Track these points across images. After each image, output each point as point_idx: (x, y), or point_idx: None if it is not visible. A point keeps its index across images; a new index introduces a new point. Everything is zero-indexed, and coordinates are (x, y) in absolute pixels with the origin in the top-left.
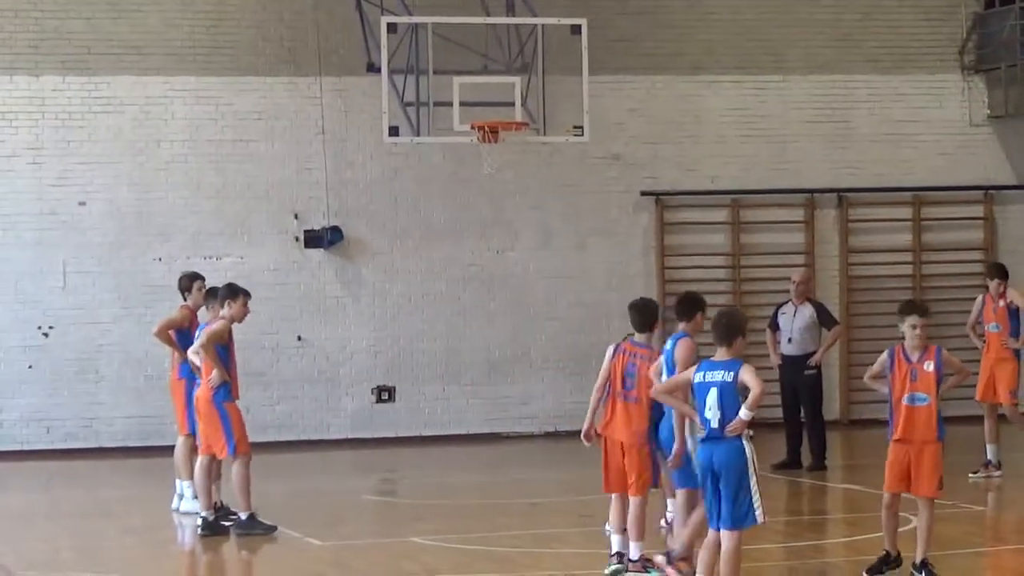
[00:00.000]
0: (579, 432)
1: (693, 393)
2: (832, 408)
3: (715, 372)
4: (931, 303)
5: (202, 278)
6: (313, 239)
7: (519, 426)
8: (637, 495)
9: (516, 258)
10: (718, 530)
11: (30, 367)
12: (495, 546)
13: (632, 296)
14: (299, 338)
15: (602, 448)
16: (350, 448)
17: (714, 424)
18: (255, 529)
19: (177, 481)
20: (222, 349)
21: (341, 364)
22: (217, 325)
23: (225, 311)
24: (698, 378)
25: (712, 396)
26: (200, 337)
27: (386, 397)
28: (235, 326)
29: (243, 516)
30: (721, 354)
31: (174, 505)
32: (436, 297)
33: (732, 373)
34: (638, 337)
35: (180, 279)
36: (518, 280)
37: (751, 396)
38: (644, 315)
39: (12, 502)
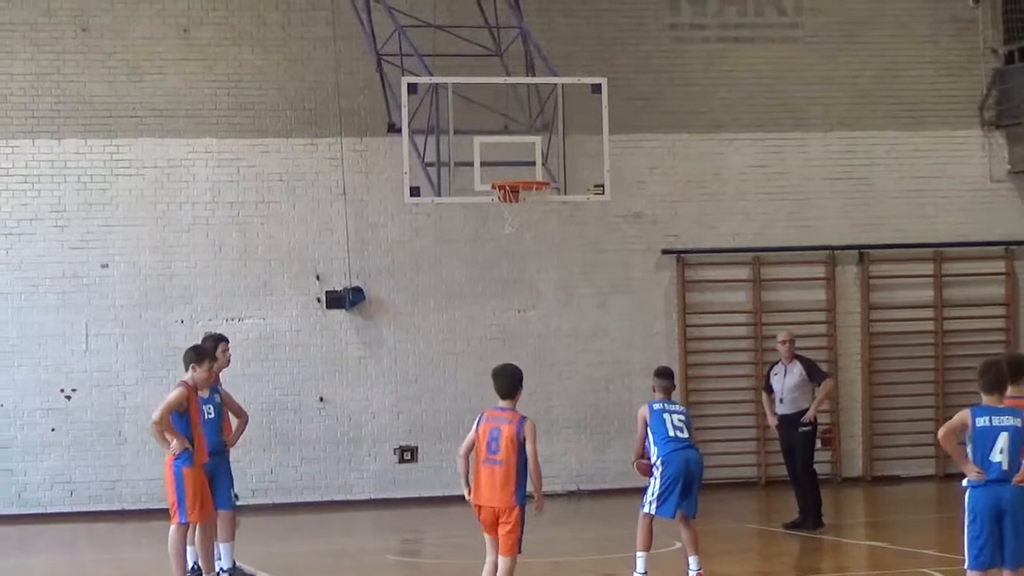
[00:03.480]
0: (602, 491)
1: (972, 438)
2: (855, 465)
3: (1003, 417)
4: (953, 359)
5: (226, 340)
6: (335, 300)
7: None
8: (508, 555)
9: (537, 317)
10: (999, 568)
11: (53, 430)
12: None
13: (654, 354)
14: (321, 399)
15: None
16: (374, 508)
17: (1005, 467)
18: None
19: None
20: (179, 417)
21: (363, 424)
22: (172, 396)
23: (188, 375)
24: (981, 422)
25: (1003, 440)
26: (157, 411)
27: (408, 457)
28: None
29: None
30: (995, 400)
31: (191, 566)
32: (458, 357)
33: (1019, 419)
34: (503, 403)
35: (204, 340)
36: (539, 339)
37: None
38: (509, 381)
39: (36, 565)
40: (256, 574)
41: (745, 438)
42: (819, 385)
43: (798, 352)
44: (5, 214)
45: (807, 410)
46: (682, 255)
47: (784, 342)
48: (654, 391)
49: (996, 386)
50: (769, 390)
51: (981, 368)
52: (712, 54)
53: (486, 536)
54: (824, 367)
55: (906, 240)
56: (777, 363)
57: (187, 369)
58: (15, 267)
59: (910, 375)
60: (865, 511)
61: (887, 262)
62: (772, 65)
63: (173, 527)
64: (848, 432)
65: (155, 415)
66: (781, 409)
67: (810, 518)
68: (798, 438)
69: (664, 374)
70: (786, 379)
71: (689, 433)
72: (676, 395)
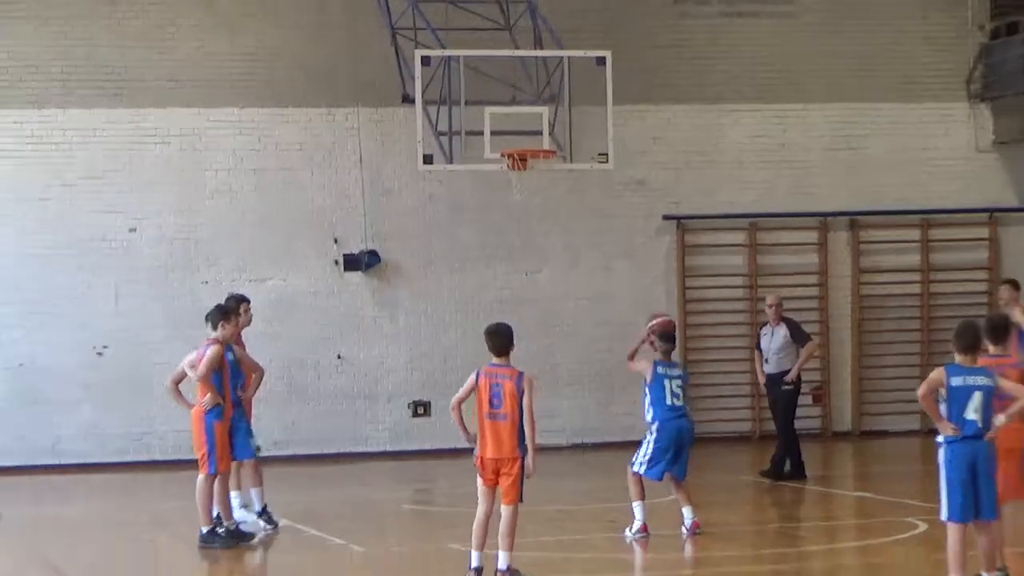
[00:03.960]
0: (604, 444)
1: (947, 396)
2: (844, 420)
3: (976, 377)
4: (938, 320)
5: (247, 300)
6: (351, 262)
7: (547, 438)
8: (512, 503)
9: (544, 280)
10: (977, 521)
11: (85, 385)
12: (526, 551)
13: None
14: (339, 356)
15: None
16: (388, 460)
17: (979, 425)
18: (214, 543)
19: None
20: (214, 374)
21: (379, 381)
22: (211, 353)
23: (218, 333)
24: (956, 381)
25: (977, 399)
26: (201, 367)
27: (421, 412)
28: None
29: (204, 530)
30: (969, 360)
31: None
32: (468, 317)
33: (991, 379)
34: (498, 360)
35: (227, 300)
36: (546, 301)
37: (1017, 406)
38: (504, 339)
39: (70, 513)
40: (280, 521)
41: (740, 394)
42: (803, 346)
43: (786, 315)
44: (39, 180)
45: (788, 371)
46: (682, 221)
47: (771, 305)
48: (655, 350)
49: (972, 347)
50: (760, 349)
51: (959, 329)
52: (715, 29)
53: (481, 487)
54: (816, 327)
55: (895, 207)
56: (766, 324)
57: (214, 328)
58: (48, 231)
59: (897, 335)
60: (854, 463)
61: (877, 228)
62: (772, 39)
63: (201, 477)
64: (838, 389)
65: (199, 372)
66: (767, 368)
67: (789, 468)
68: (781, 395)
69: (667, 337)
70: (772, 340)
71: (685, 397)
72: (675, 354)
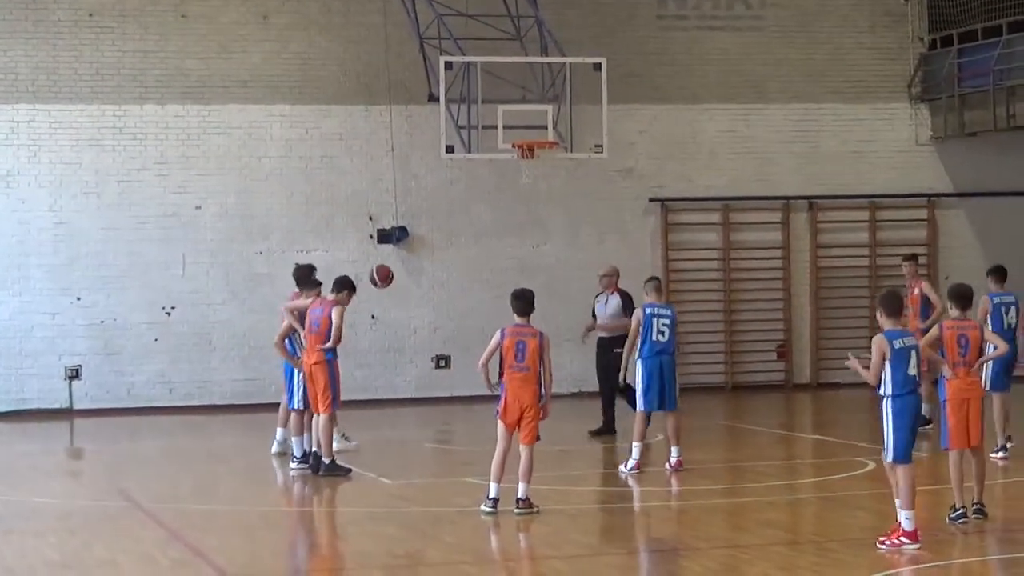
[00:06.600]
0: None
1: (890, 358)
2: (804, 374)
3: (908, 339)
4: (884, 289)
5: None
6: (384, 236)
7: (553, 388)
8: (531, 443)
9: (548, 252)
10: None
11: (156, 340)
12: (533, 485)
13: (643, 283)
14: (373, 316)
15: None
16: (414, 406)
17: (919, 378)
18: (337, 472)
19: (278, 429)
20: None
21: (407, 338)
22: (341, 312)
23: (340, 296)
24: (898, 344)
25: (914, 357)
26: (336, 320)
27: (443, 364)
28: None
29: (326, 461)
30: (894, 324)
31: (273, 450)
32: (483, 283)
33: (913, 339)
34: (520, 320)
35: (299, 268)
36: (550, 269)
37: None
38: (527, 303)
39: (142, 449)
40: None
41: (716, 351)
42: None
43: (621, 287)
44: (118, 165)
45: (621, 336)
46: (665, 203)
47: (605, 275)
48: (646, 295)
49: (898, 312)
50: (594, 315)
51: (886, 297)
52: (692, 39)
53: (501, 430)
54: (780, 294)
55: (847, 192)
56: (602, 292)
57: (339, 292)
58: (126, 208)
59: (849, 301)
60: (812, 412)
61: (831, 210)
62: (740, 49)
63: (324, 417)
64: (799, 347)
65: (338, 322)
66: (602, 332)
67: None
68: (610, 359)
69: (652, 279)
70: (606, 307)
71: (671, 333)
72: None
